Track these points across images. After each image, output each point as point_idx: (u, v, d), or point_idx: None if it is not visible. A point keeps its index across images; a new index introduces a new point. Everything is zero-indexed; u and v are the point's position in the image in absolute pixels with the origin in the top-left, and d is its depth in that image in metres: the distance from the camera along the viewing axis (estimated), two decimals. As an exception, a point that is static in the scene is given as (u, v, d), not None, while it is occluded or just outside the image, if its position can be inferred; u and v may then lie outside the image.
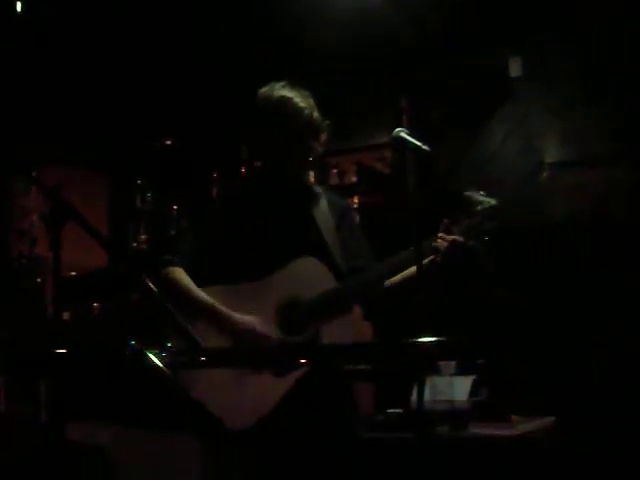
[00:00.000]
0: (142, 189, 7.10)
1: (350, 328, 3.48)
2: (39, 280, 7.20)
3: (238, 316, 3.41)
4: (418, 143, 3.12)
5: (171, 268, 3.53)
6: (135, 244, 6.83)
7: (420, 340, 2.58)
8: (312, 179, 3.72)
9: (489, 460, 4.32)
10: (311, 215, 3.61)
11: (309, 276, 3.46)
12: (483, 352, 5.09)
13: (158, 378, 2.40)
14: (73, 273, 5.95)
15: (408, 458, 4.16)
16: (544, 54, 6.14)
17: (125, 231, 7.20)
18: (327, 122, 3.62)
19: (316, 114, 3.58)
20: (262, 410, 3.32)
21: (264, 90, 3.61)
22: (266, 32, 6.62)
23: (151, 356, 2.39)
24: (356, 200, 6.46)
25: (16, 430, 5.23)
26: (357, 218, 6.12)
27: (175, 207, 6.84)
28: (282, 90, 3.57)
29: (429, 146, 3.11)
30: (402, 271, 3.46)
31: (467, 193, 3.55)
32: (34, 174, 3.67)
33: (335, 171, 6.74)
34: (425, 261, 3.30)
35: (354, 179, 6.75)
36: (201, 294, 3.46)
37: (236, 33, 6.63)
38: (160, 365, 2.39)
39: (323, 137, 3.61)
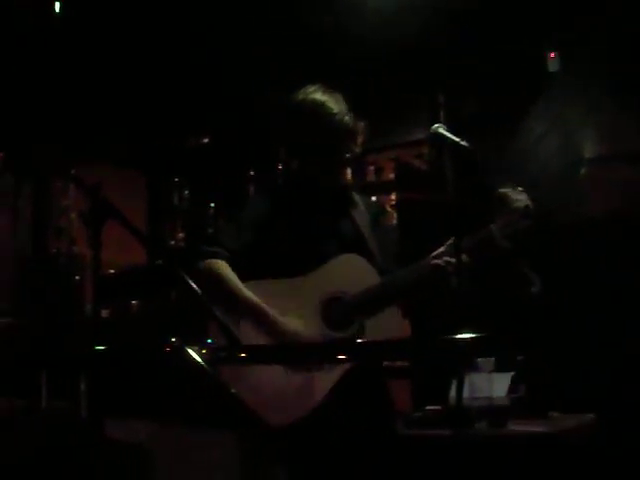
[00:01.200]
0: (179, 187, 7.14)
1: (395, 323, 3.48)
2: (77, 278, 7.25)
3: (284, 321, 3.42)
4: (456, 139, 3.11)
5: (213, 260, 3.53)
6: (172, 242, 6.86)
7: (459, 336, 2.57)
8: (349, 177, 3.71)
9: (527, 457, 4.30)
10: (350, 214, 3.62)
11: (353, 272, 3.47)
12: (522, 348, 5.06)
13: (198, 374, 2.41)
14: (112, 271, 5.98)
15: (446, 455, 4.14)
16: (582, 48, 6.10)
17: (162, 229, 7.23)
18: (362, 124, 3.62)
19: (348, 117, 3.58)
20: (306, 407, 3.33)
21: (298, 94, 3.64)
22: (301, 31, 6.63)
23: (191, 352, 2.40)
24: (394, 197, 6.45)
25: (56, 426, 5.27)
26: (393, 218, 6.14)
27: (212, 205, 6.86)
28: (315, 94, 3.59)
29: (467, 142, 3.10)
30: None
31: (502, 190, 3.53)
32: (73, 173, 3.69)
33: (372, 168, 6.73)
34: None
35: (391, 176, 6.74)
36: (247, 292, 3.47)
37: (272, 32, 6.64)
38: (200, 361, 2.40)
39: (359, 139, 3.61)
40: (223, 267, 3.50)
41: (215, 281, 3.48)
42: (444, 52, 6.44)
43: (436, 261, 3.42)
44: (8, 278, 7.39)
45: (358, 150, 3.64)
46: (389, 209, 6.38)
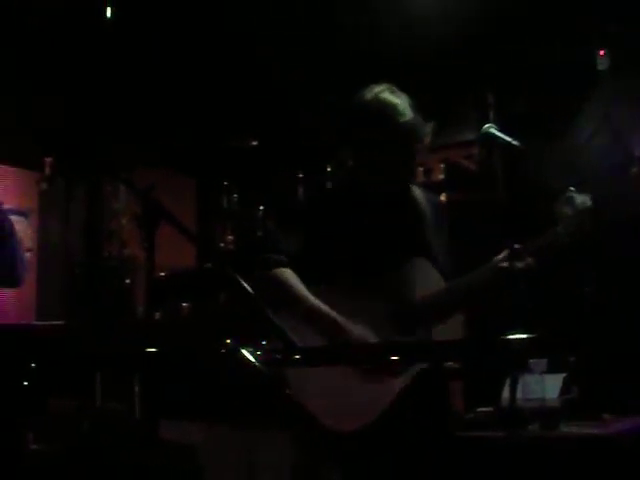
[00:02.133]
0: (228, 190, 7.16)
1: (459, 326, 3.46)
2: (128, 281, 7.30)
3: (351, 327, 3.37)
4: (508, 138, 3.09)
5: (280, 269, 3.46)
6: (222, 245, 6.89)
7: (511, 337, 2.56)
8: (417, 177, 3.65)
9: (580, 459, 4.27)
10: (417, 216, 3.59)
11: (418, 277, 3.43)
12: (574, 350, 5.02)
13: (253, 375, 2.41)
14: (162, 274, 6.02)
15: (498, 457, 4.13)
16: (631, 46, 6.05)
17: (212, 232, 7.27)
18: (430, 124, 3.56)
19: (418, 117, 3.51)
20: (372, 413, 3.29)
21: (364, 93, 3.55)
22: (348, 33, 6.63)
23: (246, 354, 2.40)
24: (443, 198, 6.43)
25: (110, 427, 5.31)
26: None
27: (261, 207, 6.88)
28: (382, 93, 3.50)
29: (518, 140, 3.09)
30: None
31: (568, 194, 3.49)
32: (126, 176, 3.72)
33: (421, 169, 6.72)
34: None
35: (441, 177, 6.72)
36: (313, 300, 3.41)
37: (319, 34, 6.65)
38: (255, 362, 2.40)
39: (427, 139, 3.56)
40: (289, 275, 3.45)
41: (281, 289, 3.42)
42: (493, 51, 6.41)
43: (503, 264, 3.38)
44: (60, 281, 7.47)
45: (424, 151, 3.59)
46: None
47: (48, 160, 7.31)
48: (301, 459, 3.73)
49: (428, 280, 3.45)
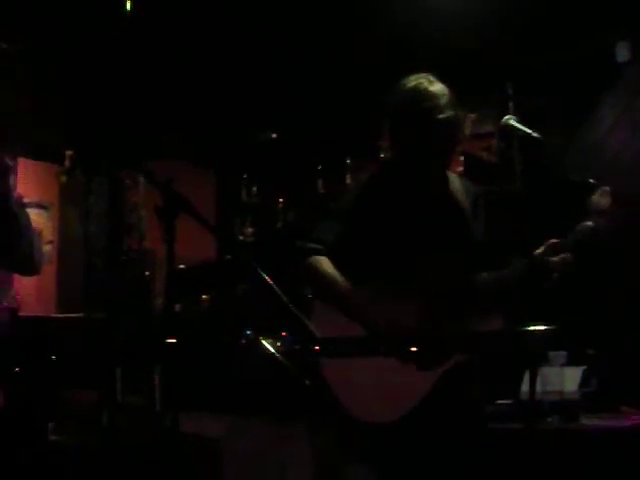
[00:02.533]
0: (248, 183, 7.18)
1: (496, 323, 3.44)
2: (147, 273, 7.33)
3: (378, 311, 3.32)
4: (528, 130, 3.08)
5: (315, 258, 3.44)
6: (242, 237, 6.90)
7: (531, 329, 2.56)
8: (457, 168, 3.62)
9: (599, 451, 4.27)
10: (453, 205, 3.55)
11: (454, 271, 3.41)
12: (593, 342, 5.02)
13: (274, 366, 2.42)
14: (182, 266, 6.03)
15: (518, 449, 4.13)
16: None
17: (232, 225, 7.28)
18: (471, 115, 3.51)
19: (460, 108, 3.44)
20: (407, 404, 3.28)
21: (403, 83, 3.49)
22: (375, 26, 6.63)
23: (266, 344, 2.41)
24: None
25: (132, 421, 5.34)
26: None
27: (281, 200, 6.89)
28: (422, 84, 3.44)
29: (538, 132, 3.08)
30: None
31: (603, 188, 3.45)
32: (145, 169, 3.73)
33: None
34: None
35: (460, 169, 6.70)
36: (348, 289, 3.38)
37: (345, 27, 6.65)
38: (275, 353, 2.41)
39: (467, 130, 3.51)
40: (324, 263, 3.42)
41: (315, 277, 3.41)
42: (513, 43, 6.40)
43: (542, 259, 3.35)
44: (79, 273, 7.50)
45: (464, 140, 3.55)
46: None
47: (68, 153, 7.34)
48: (321, 452, 3.73)
49: (464, 275, 3.43)
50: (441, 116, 3.37)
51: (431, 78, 3.46)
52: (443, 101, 3.39)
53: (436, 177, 3.54)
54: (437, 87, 3.43)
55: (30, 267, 3.55)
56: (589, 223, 3.35)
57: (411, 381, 3.30)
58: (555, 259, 3.27)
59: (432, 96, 3.39)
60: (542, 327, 2.60)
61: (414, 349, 3.21)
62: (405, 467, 3.34)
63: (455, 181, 3.62)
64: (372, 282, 3.39)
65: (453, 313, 3.36)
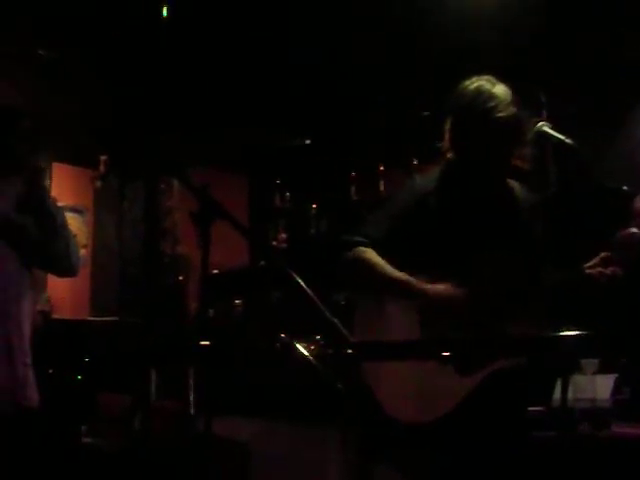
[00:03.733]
0: (281, 189, 7.20)
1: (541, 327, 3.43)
2: (181, 278, 7.37)
3: (428, 287, 3.36)
4: (561, 136, 3.08)
5: (360, 248, 3.46)
6: (275, 243, 6.92)
7: (564, 334, 2.56)
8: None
9: (630, 460, 4.25)
10: (508, 207, 3.55)
11: (508, 272, 3.41)
12: (626, 350, 5.00)
13: (307, 369, 2.44)
14: (215, 271, 6.06)
15: (550, 456, 4.13)
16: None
17: (265, 230, 7.31)
18: (533, 119, 3.52)
19: (515, 110, 3.46)
20: (444, 407, 3.29)
21: (465, 84, 3.52)
22: (404, 32, 6.64)
23: (300, 348, 2.43)
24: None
25: (165, 423, 5.37)
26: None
27: (314, 206, 6.91)
28: (484, 86, 3.46)
29: (571, 139, 3.07)
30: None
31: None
32: (181, 174, 3.77)
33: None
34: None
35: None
36: (397, 272, 3.40)
37: (376, 33, 6.66)
38: (309, 356, 2.43)
39: (528, 135, 3.52)
40: (370, 253, 3.44)
41: (362, 267, 3.43)
42: (547, 51, 6.39)
43: (590, 271, 3.34)
44: (113, 277, 7.56)
45: (523, 144, 3.52)
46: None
47: (103, 158, 7.39)
48: (353, 457, 3.74)
49: (516, 276, 3.43)
50: (501, 115, 3.39)
51: (493, 80, 3.48)
52: (503, 101, 3.42)
53: (496, 178, 3.57)
54: (498, 88, 3.46)
55: (66, 267, 3.58)
56: (634, 230, 3.34)
57: (450, 384, 3.31)
58: (607, 272, 3.27)
59: (493, 96, 3.42)
60: (575, 333, 2.60)
61: (452, 353, 3.21)
62: (439, 469, 3.35)
63: (515, 186, 3.63)
64: (421, 276, 3.41)
65: (509, 313, 3.37)
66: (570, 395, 4.41)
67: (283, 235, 6.98)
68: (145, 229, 7.42)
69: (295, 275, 2.61)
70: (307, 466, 4.86)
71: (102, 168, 7.42)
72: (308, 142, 7.28)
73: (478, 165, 3.50)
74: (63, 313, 6.82)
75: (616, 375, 4.69)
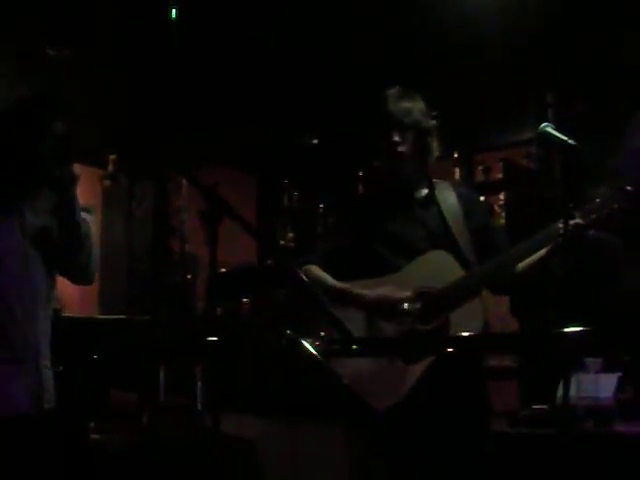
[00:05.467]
0: (289, 188, 7.24)
1: (479, 321, 3.50)
2: (189, 276, 7.40)
3: (368, 292, 3.54)
4: (564, 138, 3.12)
5: (306, 266, 3.66)
6: (282, 242, 6.96)
7: (566, 330, 2.59)
8: (457, 176, 3.74)
9: (633, 458, 4.27)
10: (437, 209, 3.68)
11: (439, 269, 3.52)
12: (629, 349, 5.02)
13: (313, 366, 2.47)
14: (223, 270, 6.10)
15: (552, 454, 4.15)
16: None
17: (273, 229, 7.34)
18: (435, 125, 3.65)
19: (425, 117, 3.66)
20: (393, 398, 3.39)
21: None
22: (410, 30, 6.66)
23: (306, 344, 2.47)
24: (502, 197, 6.43)
25: (174, 420, 5.39)
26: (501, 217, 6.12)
27: (321, 206, 6.94)
28: (388, 95, 3.67)
29: (576, 140, 3.11)
30: (532, 254, 3.46)
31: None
32: (189, 173, 3.81)
33: (481, 168, 6.72)
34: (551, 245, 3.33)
35: (500, 176, 6.72)
36: (337, 283, 3.61)
37: (381, 32, 6.68)
38: (315, 353, 2.46)
39: (434, 139, 3.66)
40: (312, 269, 3.66)
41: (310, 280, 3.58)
42: (553, 51, 6.41)
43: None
44: (122, 276, 7.59)
45: (437, 151, 3.69)
46: (497, 209, 6.36)
47: (112, 158, 7.43)
48: (358, 454, 3.78)
49: (448, 271, 3.53)
50: (408, 117, 3.61)
51: (403, 90, 3.71)
52: (392, 98, 3.66)
53: (415, 182, 3.73)
54: (405, 93, 3.69)
55: (86, 277, 3.60)
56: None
57: (398, 375, 3.42)
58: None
59: (397, 101, 3.66)
60: (577, 329, 2.62)
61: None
62: (406, 455, 3.42)
63: (449, 187, 3.80)
64: (363, 283, 3.59)
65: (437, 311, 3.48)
66: (573, 393, 4.44)
67: (291, 234, 7.02)
68: (154, 228, 7.46)
69: (301, 273, 2.66)
70: (314, 463, 4.89)
71: (111, 167, 7.46)
72: (316, 141, 7.32)
73: (400, 170, 3.68)
74: (72, 311, 6.85)
75: (619, 374, 4.71)
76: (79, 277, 3.62)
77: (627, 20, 6.15)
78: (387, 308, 3.48)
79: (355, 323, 3.44)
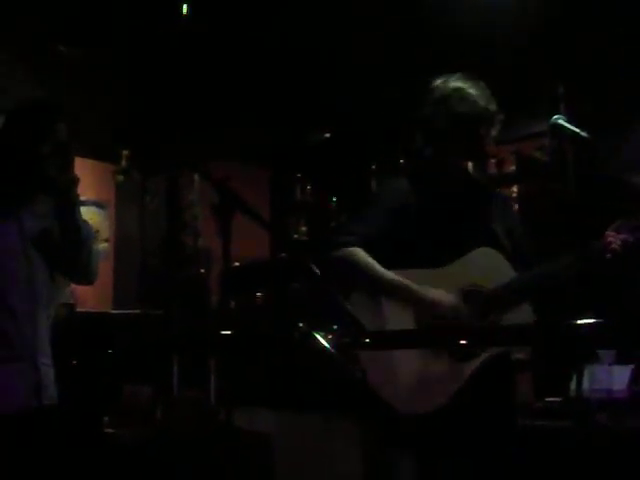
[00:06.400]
0: (302, 182, 7.23)
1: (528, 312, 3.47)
2: (202, 270, 7.41)
3: (428, 292, 3.43)
4: (576, 129, 3.11)
5: (348, 248, 3.50)
6: (296, 236, 6.95)
7: (580, 322, 2.58)
8: (470, 169, 3.68)
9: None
10: (485, 206, 3.61)
11: (489, 266, 3.45)
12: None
13: (326, 359, 2.47)
14: (236, 264, 6.10)
15: (566, 446, 4.15)
16: None
17: (286, 223, 7.34)
18: (501, 115, 3.56)
19: (492, 105, 3.52)
20: (442, 397, 3.34)
21: (438, 81, 3.58)
22: (422, 25, 6.66)
23: (319, 337, 2.47)
24: (515, 189, 6.41)
25: (187, 414, 5.41)
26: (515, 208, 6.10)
27: (334, 199, 6.94)
28: (457, 82, 3.53)
29: (587, 132, 3.10)
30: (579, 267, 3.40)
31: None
32: (202, 168, 3.82)
33: (493, 161, 6.69)
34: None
35: (512, 168, 6.70)
36: (388, 272, 3.45)
37: (394, 27, 6.69)
38: (328, 346, 2.46)
39: (496, 129, 3.56)
40: (359, 253, 3.49)
41: (352, 268, 3.47)
42: (564, 44, 6.40)
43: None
44: (136, 271, 7.61)
45: (492, 141, 3.59)
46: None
47: (124, 153, 7.44)
48: (371, 446, 3.78)
49: (499, 270, 3.47)
50: (463, 108, 3.47)
51: (467, 76, 3.56)
52: (468, 94, 3.50)
53: (456, 174, 3.63)
54: (472, 82, 3.54)
55: (87, 277, 3.61)
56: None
57: (446, 373, 3.36)
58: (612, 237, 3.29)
59: (457, 89, 3.51)
60: (591, 320, 2.62)
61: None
62: (441, 456, 3.39)
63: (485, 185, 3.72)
64: (410, 274, 3.47)
65: (487, 311, 3.42)
66: (586, 386, 4.43)
67: (304, 228, 7.02)
68: (167, 222, 7.47)
69: (315, 267, 2.66)
70: (327, 457, 4.89)
71: (124, 162, 7.47)
72: (328, 136, 7.32)
73: (455, 163, 3.57)
74: (86, 306, 6.88)
75: (633, 366, 4.71)
76: (80, 277, 3.63)
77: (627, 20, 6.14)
78: (439, 314, 3.42)
79: (403, 317, 3.42)
